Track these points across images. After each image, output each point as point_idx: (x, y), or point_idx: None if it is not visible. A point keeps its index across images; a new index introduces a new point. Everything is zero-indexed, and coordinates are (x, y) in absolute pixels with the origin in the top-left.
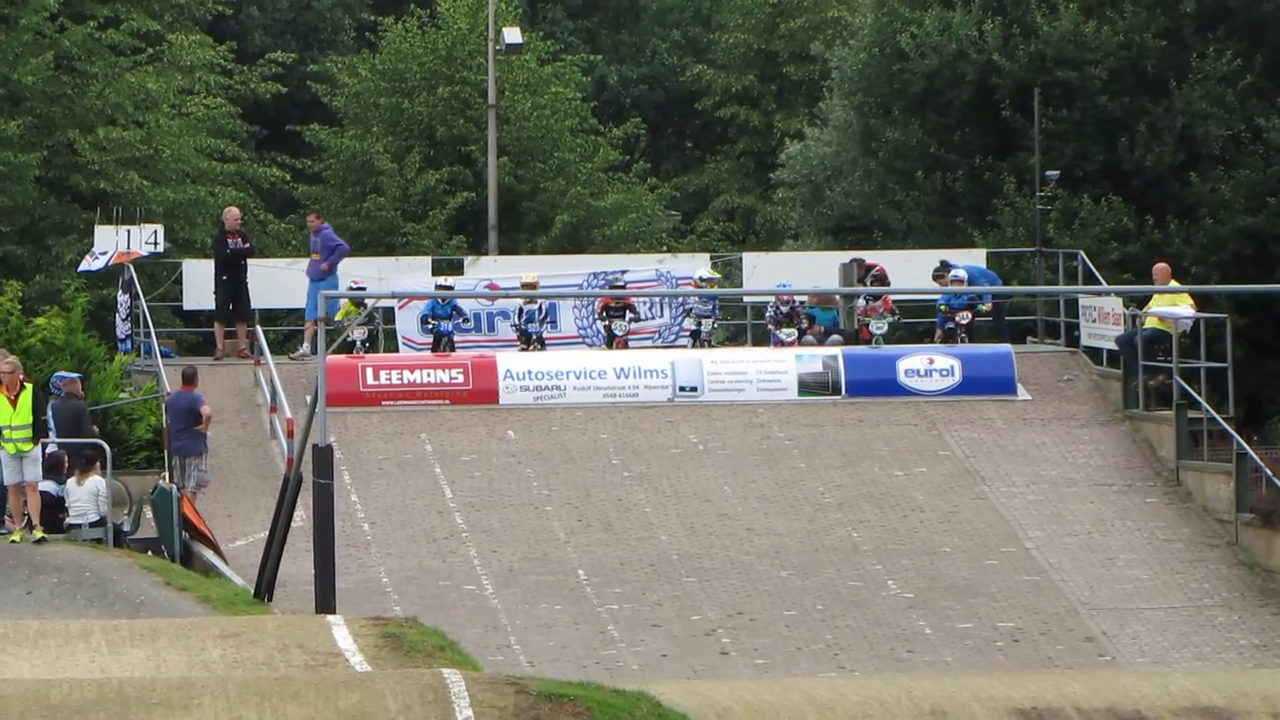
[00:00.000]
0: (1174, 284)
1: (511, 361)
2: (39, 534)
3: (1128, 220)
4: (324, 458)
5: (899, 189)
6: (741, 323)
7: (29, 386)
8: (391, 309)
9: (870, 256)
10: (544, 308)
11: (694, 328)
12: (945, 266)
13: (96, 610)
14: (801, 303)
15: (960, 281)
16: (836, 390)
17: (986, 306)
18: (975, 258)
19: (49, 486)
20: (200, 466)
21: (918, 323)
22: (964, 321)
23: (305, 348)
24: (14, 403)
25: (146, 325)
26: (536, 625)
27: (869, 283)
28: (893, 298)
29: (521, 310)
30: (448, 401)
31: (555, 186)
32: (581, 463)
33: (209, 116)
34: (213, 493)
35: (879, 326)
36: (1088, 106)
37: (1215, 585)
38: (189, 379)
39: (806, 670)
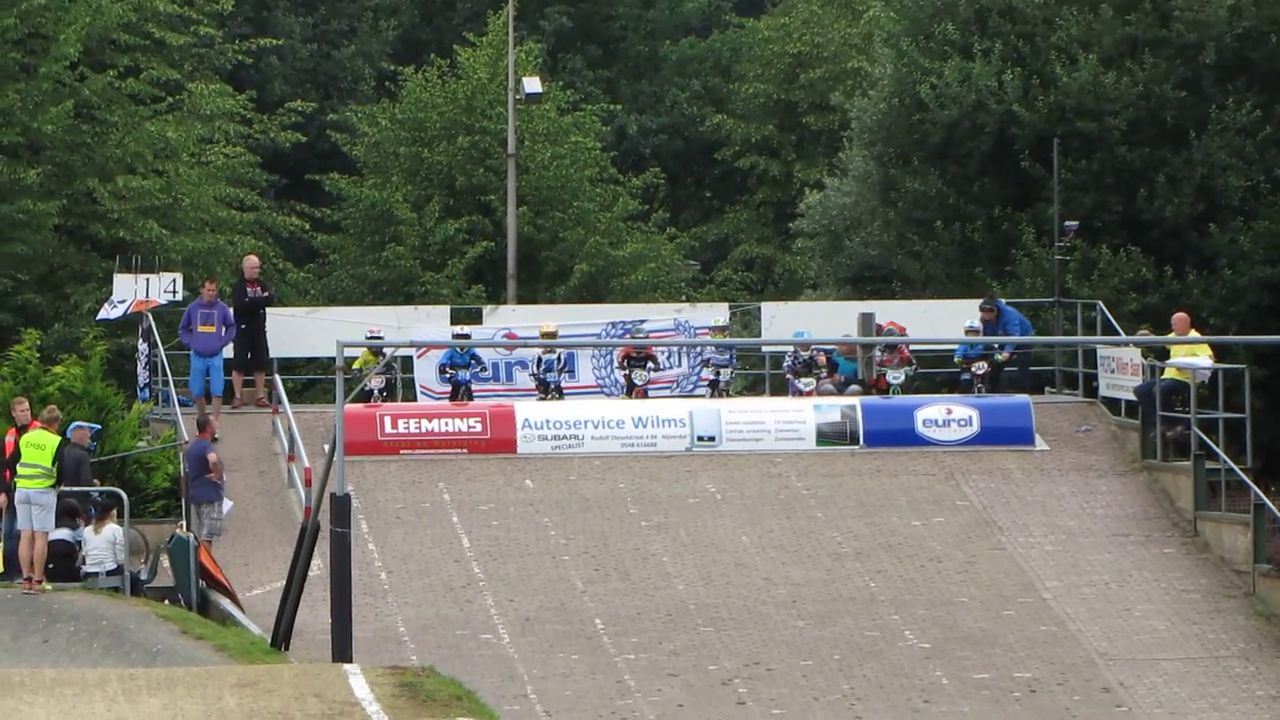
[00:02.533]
0: (1193, 334)
1: (529, 411)
2: (45, 587)
3: (1146, 271)
4: (342, 506)
5: (918, 239)
6: (760, 372)
7: (57, 436)
8: (410, 358)
9: (887, 307)
10: (562, 357)
11: (712, 377)
12: (991, 299)
13: (113, 659)
14: (817, 351)
15: (975, 332)
16: (854, 440)
17: (1004, 356)
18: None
19: (64, 534)
20: (213, 514)
21: (935, 373)
22: (980, 371)
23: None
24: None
25: (165, 374)
26: (553, 674)
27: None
28: (910, 348)
29: (540, 359)
30: (466, 450)
31: (574, 236)
32: (599, 512)
33: (228, 165)
34: (230, 541)
35: (896, 377)
36: (1107, 157)
37: (1233, 636)
38: (201, 426)
39: None
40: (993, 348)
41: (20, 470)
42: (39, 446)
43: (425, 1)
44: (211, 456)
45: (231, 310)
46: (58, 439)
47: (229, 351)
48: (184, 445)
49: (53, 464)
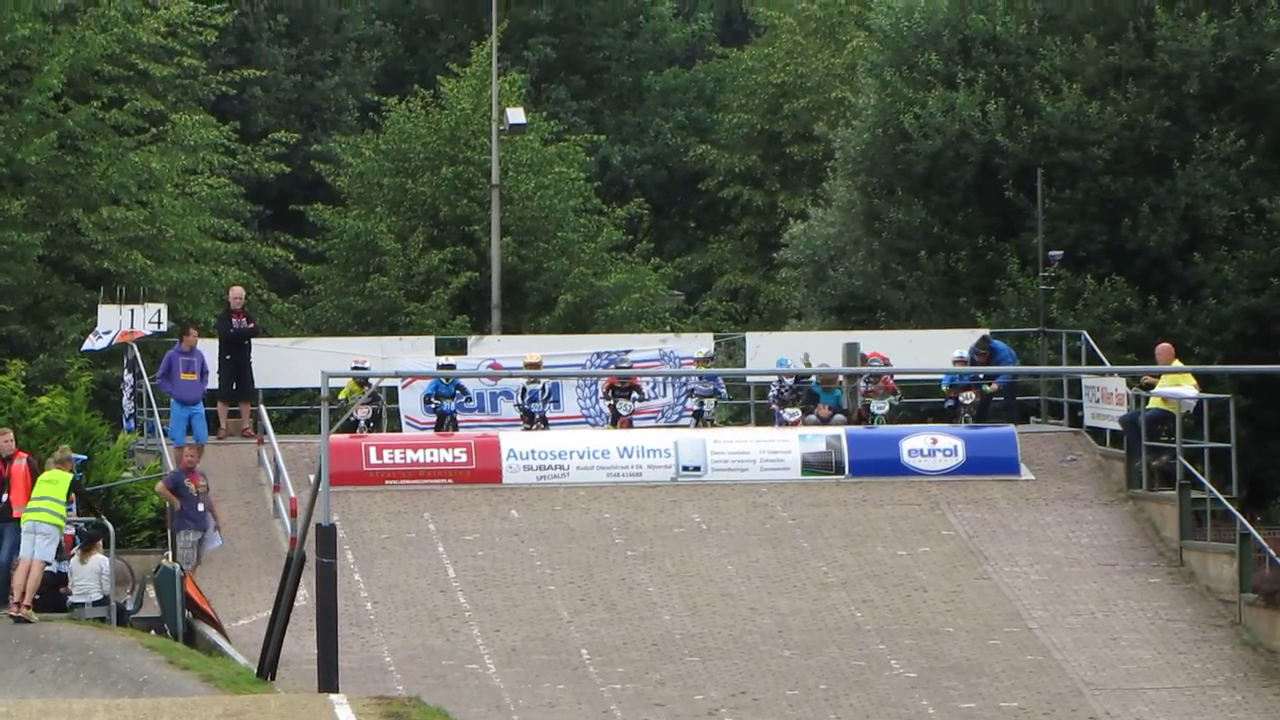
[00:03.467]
0: (1177, 364)
1: (515, 441)
2: (32, 615)
3: (1131, 300)
4: (327, 537)
5: (902, 269)
6: (745, 402)
7: (70, 475)
8: (395, 388)
9: (872, 337)
10: (547, 387)
11: (696, 408)
12: (985, 342)
13: (99, 689)
14: (809, 381)
15: (963, 362)
16: (840, 470)
17: (992, 387)
18: (982, 333)
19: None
20: (181, 544)
21: (920, 403)
22: (967, 401)
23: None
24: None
25: (150, 404)
26: (539, 704)
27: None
28: (894, 378)
29: (525, 390)
30: (451, 481)
31: (558, 266)
32: (585, 542)
33: (212, 196)
34: (216, 571)
35: (880, 407)
36: (1091, 187)
37: (1219, 665)
38: (180, 457)
39: None
40: (979, 377)
41: (32, 504)
42: (52, 482)
43: (409, 33)
44: (159, 485)
45: (214, 352)
46: (70, 477)
47: (213, 381)
48: (167, 476)
49: (66, 498)
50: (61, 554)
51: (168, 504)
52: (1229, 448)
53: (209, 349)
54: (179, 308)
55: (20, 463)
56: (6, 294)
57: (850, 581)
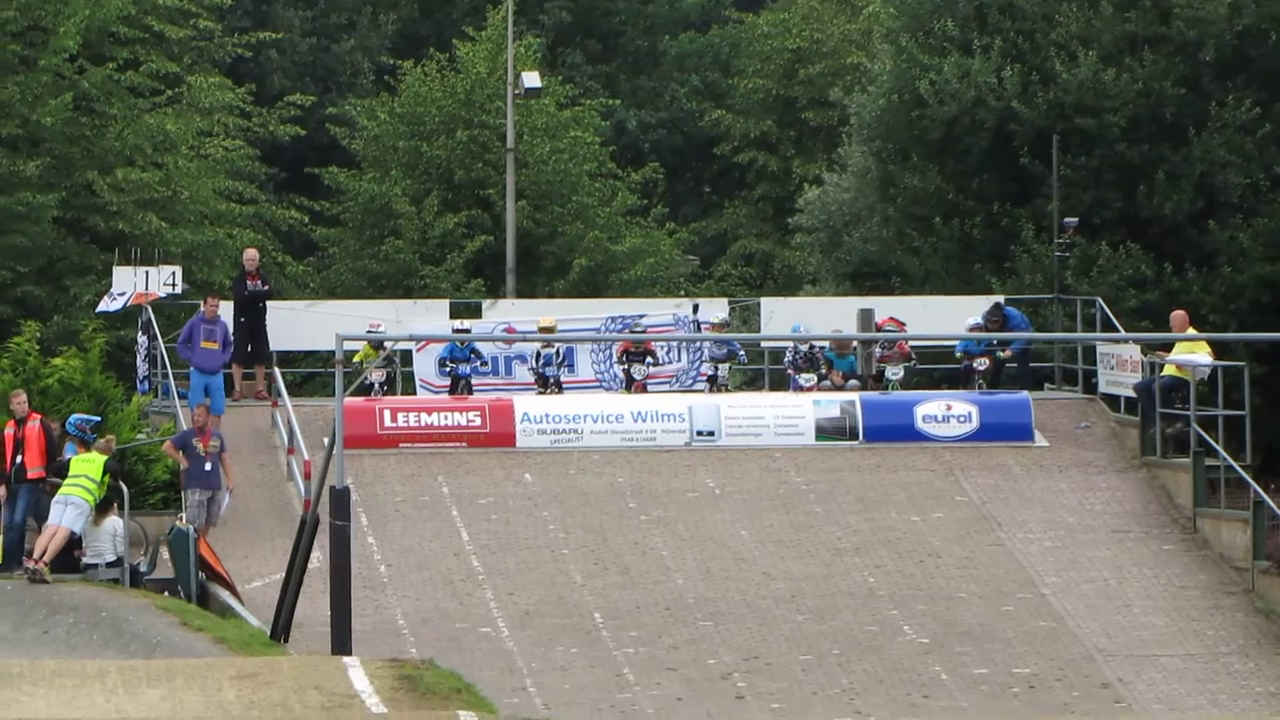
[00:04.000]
0: (1192, 331)
1: (529, 405)
2: (46, 572)
3: (1146, 268)
4: (341, 500)
5: (917, 235)
6: (759, 367)
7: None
8: (409, 351)
9: (887, 302)
10: (561, 351)
11: (710, 373)
12: (998, 309)
13: (113, 650)
14: (821, 348)
15: (979, 328)
16: (854, 435)
17: (1006, 353)
18: (995, 300)
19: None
20: (190, 503)
21: (934, 369)
22: (981, 368)
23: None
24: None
25: (164, 366)
26: (552, 668)
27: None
28: (909, 344)
29: (539, 354)
30: (465, 444)
31: (573, 230)
32: (598, 506)
33: (227, 158)
34: (229, 533)
35: (894, 373)
36: (1106, 154)
37: (1232, 632)
38: (193, 418)
39: (822, 715)
40: (994, 343)
41: (69, 481)
42: (88, 462)
43: None
44: (165, 444)
45: (229, 314)
46: (104, 459)
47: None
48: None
49: (101, 478)
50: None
51: (175, 463)
52: (1243, 415)
53: (225, 311)
54: (194, 270)
55: (34, 424)
56: (21, 255)
57: (863, 547)
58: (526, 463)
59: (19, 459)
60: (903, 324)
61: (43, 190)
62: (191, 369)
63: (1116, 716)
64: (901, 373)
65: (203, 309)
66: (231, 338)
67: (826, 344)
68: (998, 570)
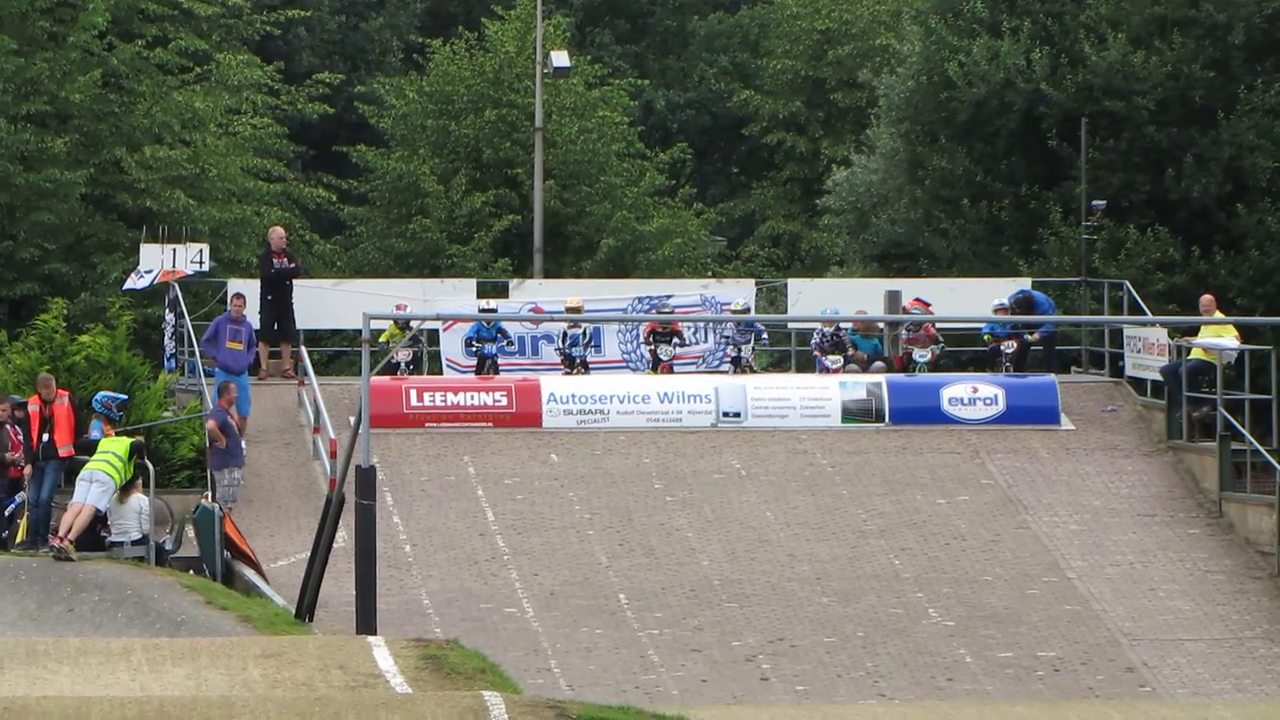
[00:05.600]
0: (1219, 315)
1: (555, 385)
2: (71, 550)
3: (1174, 251)
4: (367, 479)
5: (944, 217)
6: (786, 349)
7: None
8: (436, 331)
9: (914, 284)
10: (588, 331)
11: (734, 354)
12: (1027, 299)
13: (137, 628)
14: (845, 330)
15: (1004, 310)
16: (880, 418)
17: (1035, 336)
18: (1021, 287)
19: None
20: (224, 481)
21: (962, 351)
22: (1008, 350)
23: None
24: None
25: (191, 344)
26: (577, 649)
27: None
28: (936, 326)
29: (565, 334)
30: (491, 424)
31: (601, 210)
32: (624, 487)
33: (255, 136)
34: (255, 512)
35: (922, 355)
36: (1135, 137)
37: (1257, 617)
38: (220, 393)
39: (846, 697)
40: (1020, 326)
41: (96, 457)
42: (115, 440)
43: None
44: (209, 423)
45: (255, 292)
46: (130, 441)
47: (254, 322)
48: (208, 415)
49: (128, 457)
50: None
51: (211, 441)
52: (1270, 399)
53: (251, 288)
54: (221, 248)
55: (62, 401)
56: (49, 232)
57: (889, 529)
58: (552, 443)
59: (45, 436)
60: (928, 305)
61: (71, 167)
62: (216, 370)
63: (1140, 700)
64: (929, 355)
65: (229, 309)
66: (256, 339)
67: (851, 326)
68: (1023, 553)
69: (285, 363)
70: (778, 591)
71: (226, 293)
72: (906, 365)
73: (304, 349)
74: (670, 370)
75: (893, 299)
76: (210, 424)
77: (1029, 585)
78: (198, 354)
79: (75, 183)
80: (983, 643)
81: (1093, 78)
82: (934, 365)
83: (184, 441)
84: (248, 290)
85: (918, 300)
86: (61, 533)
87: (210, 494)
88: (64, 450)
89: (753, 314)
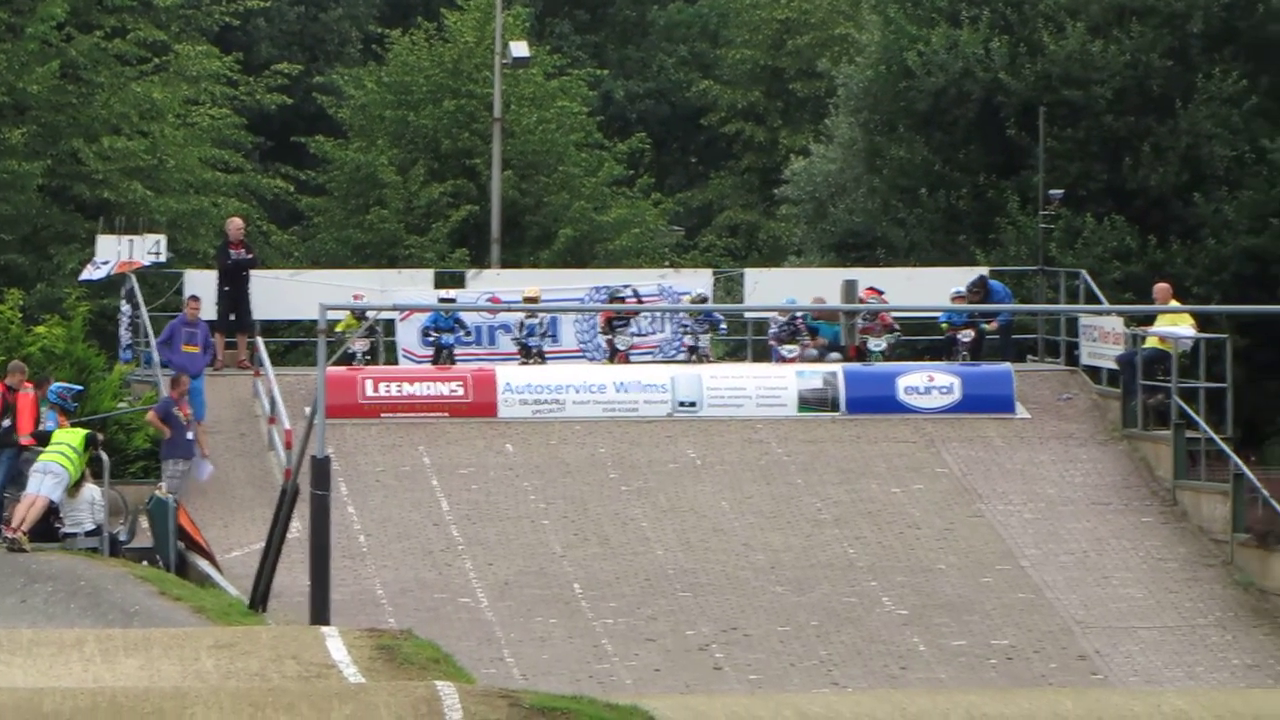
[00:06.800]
0: (1175, 304)
1: (511, 375)
2: (24, 541)
3: (1130, 240)
4: (321, 469)
5: (902, 206)
6: (742, 338)
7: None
8: (392, 321)
9: (871, 274)
10: (545, 321)
11: (691, 343)
12: (981, 282)
13: (90, 619)
14: (803, 317)
15: (960, 299)
16: (836, 407)
17: (992, 325)
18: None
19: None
20: (168, 472)
21: (918, 340)
22: (965, 339)
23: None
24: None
25: (147, 335)
26: (531, 638)
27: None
28: (892, 315)
29: (522, 324)
30: (447, 414)
31: (559, 200)
32: (579, 477)
33: (214, 127)
34: (209, 503)
35: (877, 344)
36: (1093, 126)
37: (1209, 605)
38: (173, 384)
39: (800, 686)
40: (976, 315)
41: (51, 448)
42: (70, 432)
43: None
44: (149, 414)
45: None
46: (85, 433)
47: (211, 313)
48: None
49: (83, 449)
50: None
51: (158, 432)
52: (1225, 388)
53: (208, 279)
54: (178, 239)
55: (28, 390)
56: (6, 223)
57: (844, 518)
58: (508, 433)
59: (7, 422)
60: (882, 294)
61: (28, 158)
62: (173, 372)
63: (1093, 688)
64: (884, 344)
65: (183, 311)
66: (212, 340)
67: (809, 313)
68: (977, 542)
69: (241, 353)
70: (732, 581)
71: (183, 284)
72: (861, 355)
73: (260, 339)
74: (627, 360)
75: (849, 288)
76: (150, 415)
77: (983, 574)
78: (153, 344)
79: (32, 174)
80: (936, 631)
81: (1051, 67)
82: (889, 354)
83: (139, 433)
84: (205, 281)
85: (871, 289)
86: (15, 524)
87: (164, 485)
88: (25, 439)
89: (710, 304)
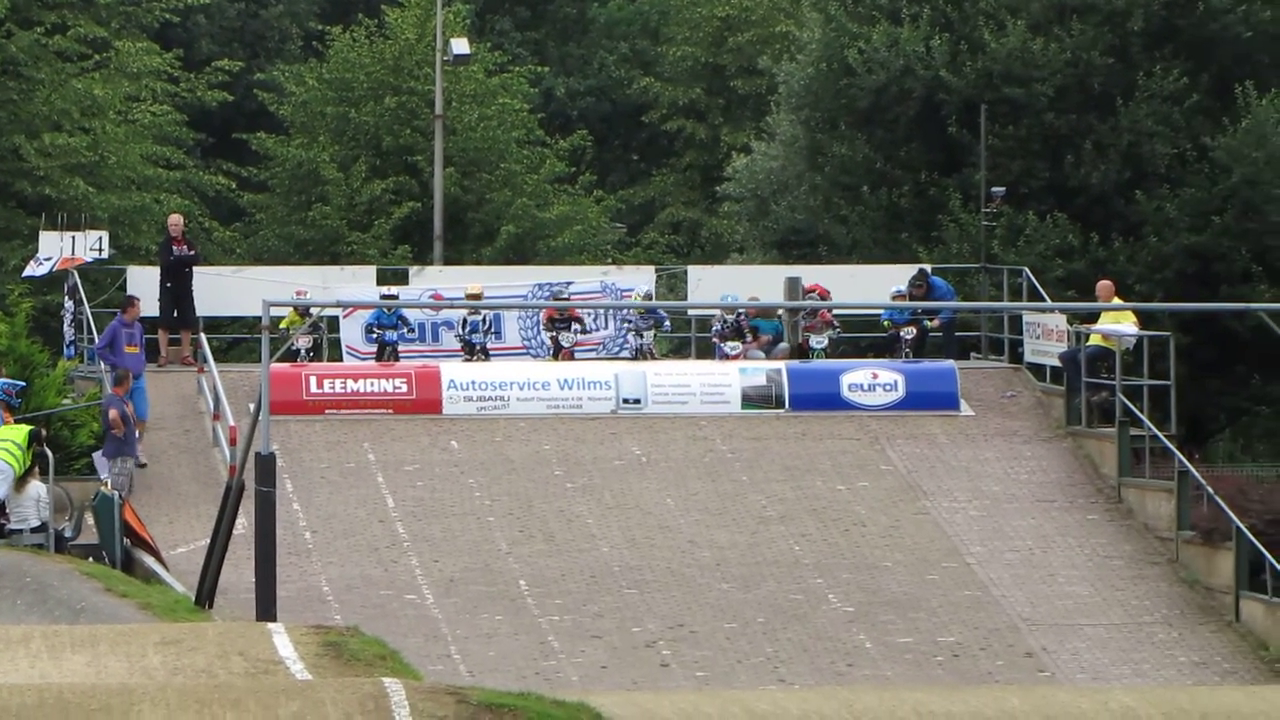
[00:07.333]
0: (1117, 301)
1: (455, 372)
2: None
3: (1073, 237)
4: (266, 466)
5: (844, 204)
6: (686, 335)
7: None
8: (336, 318)
9: (814, 271)
10: (488, 318)
11: (637, 342)
12: (922, 276)
13: (36, 615)
14: (743, 315)
15: (901, 297)
16: (780, 404)
17: (934, 322)
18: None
19: None
20: (114, 469)
21: (860, 337)
22: (908, 337)
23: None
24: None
25: (90, 331)
26: (477, 635)
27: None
28: (834, 313)
29: (466, 321)
30: (391, 411)
31: (501, 197)
32: (524, 473)
33: (155, 124)
34: (154, 499)
35: (819, 341)
36: (1034, 123)
37: (1155, 602)
38: (116, 382)
39: (746, 683)
40: (919, 312)
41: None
42: (13, 428)
43: None
44: (112, 413)
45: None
46: (29, 429)
47: (153, 310)
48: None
49: (26, 445)
50: None
51: (109, 429)
52: (1168, 385)
53: (151, 275)
54: (120, 235)
55: None
56: None
57: (789, 515)
58: (452, 430)
59: None
60: (825, 291)
61: None
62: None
63: (1039, 685)
64: (826, 341)
65: (122, 313)
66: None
67: (747, 312)
68: (923, 539)
69: (185, 350)
70: (678, 578)
71: (125, 280)
72: (805, 352)
73: (204, 336)
74: (571, 357)
75: (792, 285)
76: (113, 413)
77: (928, 571)
78: (97, 341)
79: None
80: (882, 628)
81: (992, 64)
82: (831, 351)
83: (83, 429)
84: (148, 277)
85: (815, 285)
86: None
87: (109, 481)
88: None
89: (654, 301)
